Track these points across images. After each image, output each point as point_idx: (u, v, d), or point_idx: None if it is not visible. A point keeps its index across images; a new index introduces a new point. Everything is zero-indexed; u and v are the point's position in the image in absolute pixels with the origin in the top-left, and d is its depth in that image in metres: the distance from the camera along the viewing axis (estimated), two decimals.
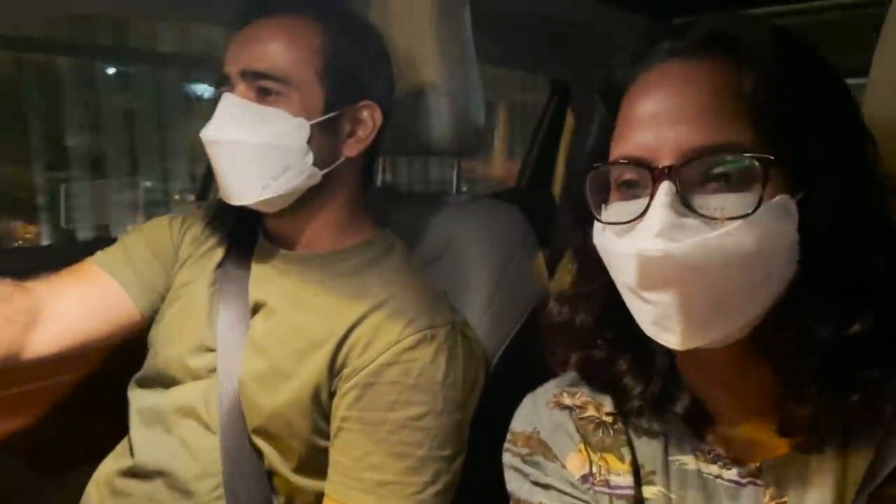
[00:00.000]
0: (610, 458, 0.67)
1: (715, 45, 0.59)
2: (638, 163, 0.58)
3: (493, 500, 0.74)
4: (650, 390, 0.65)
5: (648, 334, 0.60)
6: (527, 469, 0.70)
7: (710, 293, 0.55)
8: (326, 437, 0.96)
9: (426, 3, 1.11)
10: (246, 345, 1.00)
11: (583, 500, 0.66)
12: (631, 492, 0.65)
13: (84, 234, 2.29)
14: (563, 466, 0.68)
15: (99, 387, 1.22)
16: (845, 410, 0.57)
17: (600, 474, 0.67)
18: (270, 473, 0.99)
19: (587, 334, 0.68)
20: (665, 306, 0.56)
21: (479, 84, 1.17)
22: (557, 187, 2.47)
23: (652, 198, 0.55)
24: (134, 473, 1.02)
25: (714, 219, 0.54)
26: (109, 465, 1.07)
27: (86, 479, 1.08)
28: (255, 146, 0.94)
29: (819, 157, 0.56)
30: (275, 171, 0.95)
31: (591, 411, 0.69)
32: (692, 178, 0.56)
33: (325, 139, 0.98)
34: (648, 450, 0.67)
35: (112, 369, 1.19)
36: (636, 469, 0.66)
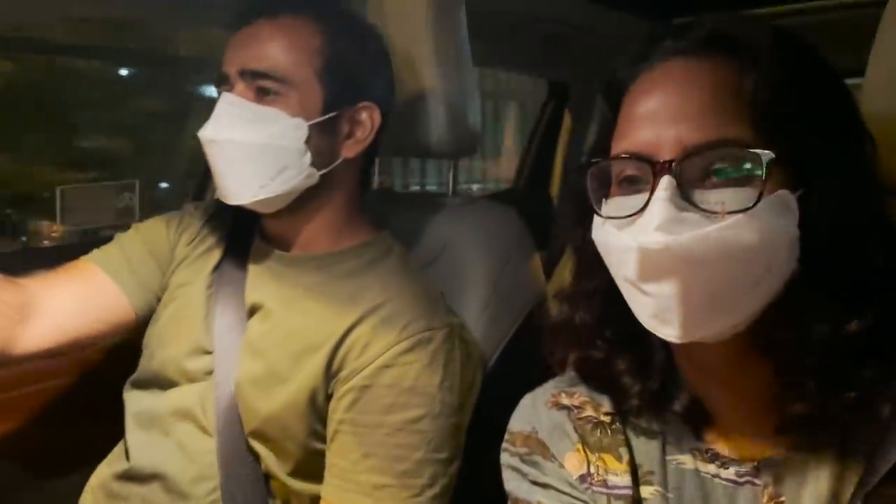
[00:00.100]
0: (608, 457, 0.67)
1: (716, 45, 0.59)
2: (639, 158, 0.58)
3: (491, 502, 0.74)
4: (648, 389, 0.65)
5: (647, 328, 0.60)
6: (525, 468, 0.70)
7: (710, 286, 0.55)
8: (323, 440, 0.96)
9: (422, 5, 1.11)
10: (242, 347, 1.00)
11: (581, 500, 0.66)
12: (629, 492, 0.65)
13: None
14: (562, 466, 0.68)
15: (93, 389, 1.21)
16: (843, 409, 0.57)
17: (598, 474, 0.67)
18: (267, 476, 0.99)
19: (586, 332, 0.68)
20: (665, 299, 0.56)
21: (475, 85, 1.17)
22: (555, 188, 2.47)
23: (653, 192, 0.56)
24: (130, 477, 1.02)
25: (714, 213, 0.55)
26: (105, 469, 1.06)
27: (81, 483, 1.07)
28: (252, 146, 0.94)
29: (819, 156, 0.57)
30: (272, 172, 0.94)
31: (589, 411, 0.70)
32: (693, 173, 0.56)
33: (323, 140, 0.97)
34: (646, 450, 0.67)
35: (106, 371, 1.18)
36: (634, 469, 0.66)
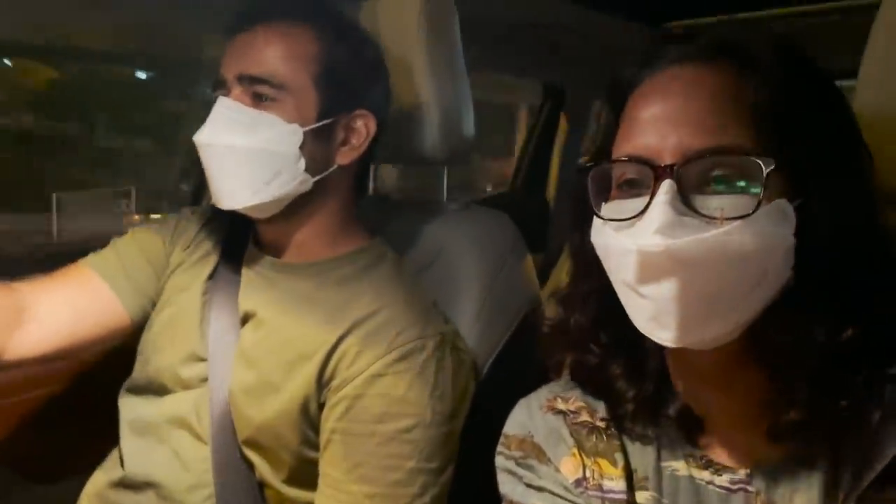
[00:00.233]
0: (603, 462, 0.67)
1: (720, 53, 0.60)
2: (641, 161, 0.58)
3: None
4: (643, 394, 0.66)
5: (643, 331, 0.60)
6: (520, 472, 0.70)
7: (707, 290, 0.56)
8: (316, 448, 0.96)
9: (414, 13, 1.11)
10: (235, 355, 0.99)
11: None
12: (623, 497, 0.66)
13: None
14: (557, 470, 0.68)
15: (88, 394, 1.21)
16: (835, 416, 0.57)
17: (593, 479, 0.67)
18: (261, 485, 0.99)
19: (581, 335, 0.68)
20: (661, 302, 0.56)
21: (468, 92, 1.17)
22: (551, 191, 2.47)
23: (653, 195, 0.56)
24: (125, 485, 1.01)
25: (713, 218, 0.55)
26: (100, 477, 1.06)
27: (76, 489, 1.07)
28: (247, 150, 0.94)
29: (817, 165, 0.57)
30: (266, 177, 0.94)
31: (584, 416, 0.70)
32: (693, 178, 0.56)
33: (317, 146, 0.98)
34: (641, 456, 0.67)
35: (101, 376, 1.18)
36: (629, 474, 0.67)
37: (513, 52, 1.96)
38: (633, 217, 0.58)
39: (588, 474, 0.67)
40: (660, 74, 0.61)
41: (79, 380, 1.22)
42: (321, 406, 0.95)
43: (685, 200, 0.56)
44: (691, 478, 0.65)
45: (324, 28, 0.99)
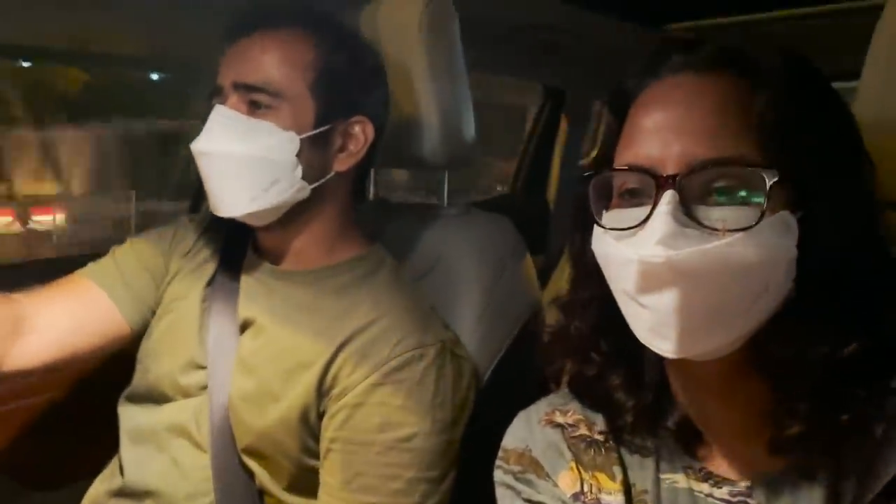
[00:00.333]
0: (601, 476, 0.67)
1: (725, 62, 0.60)
2: (643, 171, 0.58)
3: None
4: (642, 404, 0.65)
5: (643, 342, 0.59)
6: (519, 486, 0.70)
7: (708, 301, 0.55)
8: (316, 456, 0.95)
9: (415, 17, 1.11)
10: (235, 363, 0.99)
11: None
12: None
13: None
14: (555, 485, 0.68)
15: (87, 402, 1.21)
16: (836, 429, 0.57)
17: (591, 493, 0.66)
18: (261, 493, 0.98)
19: (581, 343, 0.68)
20: (662, 313, 0.56)
21: (468, 96, 1.17)
22: (552, 192, 2.47)
23: (655, 206, 0.56)
24: (124, 494, 1.01)
25: (715, 230, 0.55)
26: (100, 486, 1.06)
27: (75, 498, 1.07)
28: (244, 158, 0.93)
29: (821, 178, 0.57)
30: (264, 184, 0.94)
31: (582, 430, 0.69)
32: (696, 188, 0.56)
33: (315, 153, 0.97)
34: (640, 468, 0.67)
35: (100, 384, 1.18)
36: (627, 488, 0.66)
37: (511, 53, 1.95)
38: (635, 227, 0.57)
39: (586, 488, 0.67)
40: (662, 83, 0.61)
41: (78, 387, 1.22)
42: (321, 415, 0.95)
43: (687, 211, 0.55)
44: (690, 490, 0.64)
45: (320, 35, 0.99)
